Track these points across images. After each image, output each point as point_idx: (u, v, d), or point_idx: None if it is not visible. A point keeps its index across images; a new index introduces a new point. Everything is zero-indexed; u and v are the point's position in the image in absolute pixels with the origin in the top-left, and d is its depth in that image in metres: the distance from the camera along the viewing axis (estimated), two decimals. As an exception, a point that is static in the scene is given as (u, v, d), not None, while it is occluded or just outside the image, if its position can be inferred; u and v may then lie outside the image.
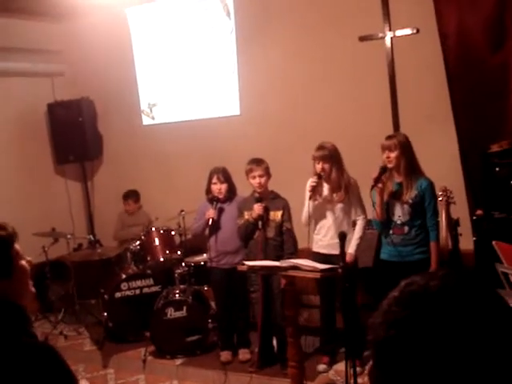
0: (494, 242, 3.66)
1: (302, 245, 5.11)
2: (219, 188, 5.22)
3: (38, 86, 7.63)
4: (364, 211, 4.86)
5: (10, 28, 7.08)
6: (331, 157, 4.77)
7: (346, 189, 4.81)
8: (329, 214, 4.86)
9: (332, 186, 4.83)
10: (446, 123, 5.51)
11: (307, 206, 4.79)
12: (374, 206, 4.55)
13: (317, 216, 4.86)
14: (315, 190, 4.74)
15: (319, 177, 4.73)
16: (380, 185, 4.47)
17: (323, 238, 4.86)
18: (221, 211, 5.26)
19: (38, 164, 7.66)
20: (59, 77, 7.86)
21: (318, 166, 4.75)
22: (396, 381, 0.89)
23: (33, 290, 1.86)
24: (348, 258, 4.65)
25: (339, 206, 4.85)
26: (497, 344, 0.85)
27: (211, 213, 5.17)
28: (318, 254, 4.84)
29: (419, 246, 4.53)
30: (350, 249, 4.73)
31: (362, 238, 4.83)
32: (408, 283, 0.95)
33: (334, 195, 4.83)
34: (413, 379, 0.87)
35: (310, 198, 4.73)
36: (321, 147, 4.79)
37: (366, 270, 5.24)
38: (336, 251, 4.59)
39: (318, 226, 4.91)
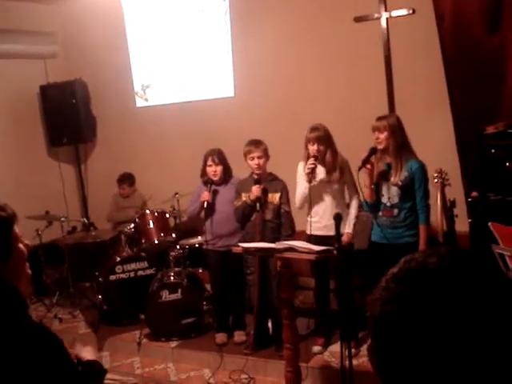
0: (490, 224, 3.66)
1: (299, 227, 5.09)
2: (214, 170, 5.18)
3: (31, 67, 7.56)
4: (357, 191, 4.84)
5: (2, 10, 6.99)
6: (325, 137, 4.75)
7: (340, 170, 4.80)
8: (325, 196, 4.85)
9: (327, 168, 4.81)
10: (441, 104, 5.48)
11: (304, 188, 4.76)
12: (363, 187, 4.51)
13: (313, 199, 4.83)
14: (313, 172, 4.71)
15: (316, 158, 4.70)
16: (368, 166, 4.44)
17: (320, 220, 4.84)
18: (216, 193, 5.23)
19: (31, 147, 7.62)
20: (52, 58, 7.78)
21: (313, 148, 4.72)
22: (393, 357, 0.89)
23: (29, 272, 1.84)
24: (346, 238, 4.73)
25: (335, 187, 4.84)
26: (493, 318, 0.84)
27: (206, 195, 5.14)
28: (315, 236, 4.81)
29: (408, 229, 4.49)
30: (348, 228, 4.77)
31: (357, 217, 4.86)
32: (407, 260, 0.95)
33: (330, 177, 4.81)
34: (409, 355, 0.87)
35: (309, 181, 4.69)
36: (315, 128, 4.76)
37: (361, 253, 5.23)
38: (332, 232, 4.59)
39: (313, 209, 4.89)
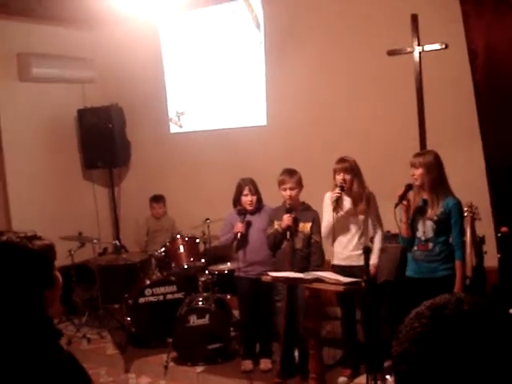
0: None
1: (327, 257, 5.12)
2: (251, 200, 5.24)
3: (69, 92, 7.77)
4: (381, 223, 4.91)
5: (43, 35, 7.24)
6: (352, 169, 4.81)
7: (367, 201, 4.84)
8: (351, 227, 4.89)
9: (354, 199, 4.85)
10: (472, 138, 5.49)
11: (331, 218, 4.81)
12: (399, 222, 4.54)
13: (338, 228, 4.88)
14: (338, 202, 4.76)
15: (342, 188, 4.76)
16: (405, 202, 4.47)
17: (343, 251, 4.88)
18: (249, 224, 5.28)
19: (67, 169, 7.78)
20: (90, 83, 7.98)
21: (339, 177, 4.79)
22: None
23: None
24: (372, 270, 4.72)
25: (360, 218, 4.88)
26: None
27: (239, 227, 5.19)
28: (338, 266, 4.87)
29: (443, 263, 4.50)
30: (373, 260, 4.77)
31: (381, 250, 4.88)
32: (431, 303, 0.99)
33: (356, 208, 4.86)
34: None
35: (334, 210, 4.75)
36: (342, 160, 4.85)
37: (387, 284, 5.23)
38: (356, 263, 4.67)
39: (337, 239, 4.93)
